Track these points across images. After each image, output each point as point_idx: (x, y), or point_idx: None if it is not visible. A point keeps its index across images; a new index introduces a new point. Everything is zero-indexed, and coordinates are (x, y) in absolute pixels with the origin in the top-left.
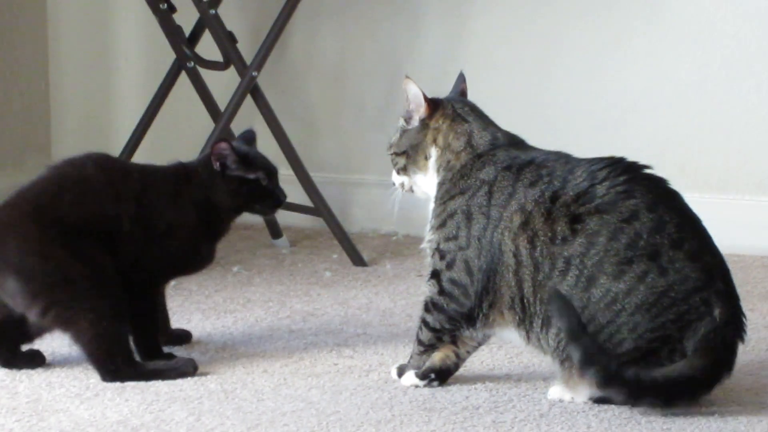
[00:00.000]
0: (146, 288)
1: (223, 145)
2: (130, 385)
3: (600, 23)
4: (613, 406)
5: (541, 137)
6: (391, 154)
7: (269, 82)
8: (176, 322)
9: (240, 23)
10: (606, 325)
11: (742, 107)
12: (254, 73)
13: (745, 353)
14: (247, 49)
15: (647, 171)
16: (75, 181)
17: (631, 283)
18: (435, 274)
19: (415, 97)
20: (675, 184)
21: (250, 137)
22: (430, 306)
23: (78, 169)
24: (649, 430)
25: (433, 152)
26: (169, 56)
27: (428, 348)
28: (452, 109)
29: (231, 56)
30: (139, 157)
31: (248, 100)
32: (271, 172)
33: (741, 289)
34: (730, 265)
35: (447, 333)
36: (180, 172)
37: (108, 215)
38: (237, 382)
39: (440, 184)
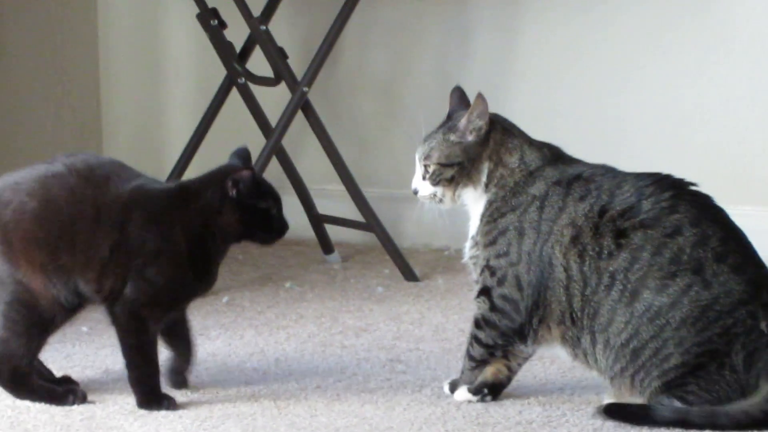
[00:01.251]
0: (134, 324)
1: (246, 173)
2: (184, 401)
3: (650, 37)
4: None
5: (593, 150)
6: (435, 165)
7: (320, 97)
8: (229, 338)
9: (290, 39)
10: (650, 340)
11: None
12: (305, 89)
13: None
14: (298, 65)
15: (692, 187)
16: (46, 197)
17: (675, 297)
18: (485, 291)
19: (484, 111)
20: (727, 198)
21: (245, 155)
22: (481, 323)
23: (58, 182)
24: None
25: (486, 167)
26: (220, 72)
27: (480, 363)
28: (501, 124)
29: (282, 72)
30: (192, 173)
31: (299, 116)
32: (279, 201)
33: None
34: None
35: (499, 348)
36: (176, 194)
37: (83, 239)
38: (290, 398)
39: (490, 202)
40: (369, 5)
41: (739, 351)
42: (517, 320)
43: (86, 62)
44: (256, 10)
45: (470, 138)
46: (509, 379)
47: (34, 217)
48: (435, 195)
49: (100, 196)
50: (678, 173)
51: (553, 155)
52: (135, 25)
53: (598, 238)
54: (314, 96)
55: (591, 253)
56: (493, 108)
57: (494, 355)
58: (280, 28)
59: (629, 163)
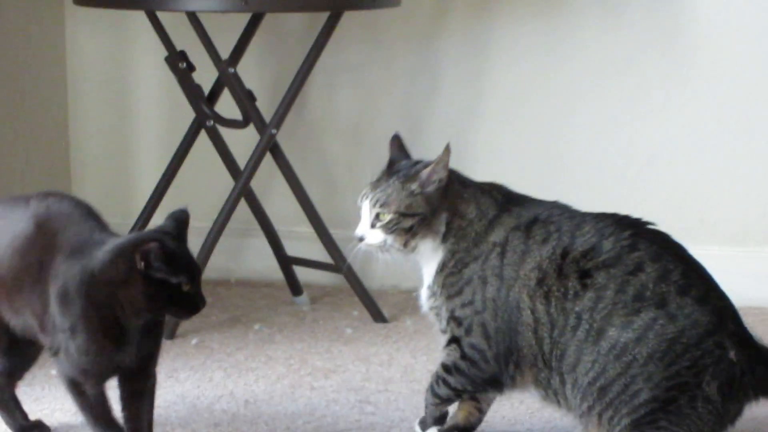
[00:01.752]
0: (72, 389)
1: (154, 245)
2: None
3: (618, 78)
4: None
5: (559, 192)
6: (394, 213)
7: (288, 139)
8: (198, 380)
9: (259, 81)
10: (617, 377)
11: (760, 160)
12: (273, 131)
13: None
14: (266, 107)
15: (650, 226)
16: (11, 239)
17: (641, 332)
18: (455, 340)
19: (447, 163)
20: (695, 237)
21: (181, 218)
22: (452, 369)
23: (22, 227)
24: None
25: (444, 218)
26: (189, 115)
27: (445, 401)
28: (455, 174)
29: (250, 114)
30: (160, 216)
31: (268, 158)
32: (195, 275)
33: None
34: (751, 318)
35: (467, 393)
36: (88, 263)
37: (27, 291)
38: None
39: (452, 252)
40: (336, 48)
41: (710, 381)
42: (487, 370)
43: (55, 104)
44: (225, 52)
45: (431, 189)
46: (479, 421)
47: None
48: (385, 243)
49: (44, 253)
50: (640, 213)
51: (504, 198)
52: (103, 68)
53: (563, 279)
54: (282, 138)
55: (557, 294)
56: (461, 148)
57: (460, 397)
58: (248, 71)
59: (594, 205)
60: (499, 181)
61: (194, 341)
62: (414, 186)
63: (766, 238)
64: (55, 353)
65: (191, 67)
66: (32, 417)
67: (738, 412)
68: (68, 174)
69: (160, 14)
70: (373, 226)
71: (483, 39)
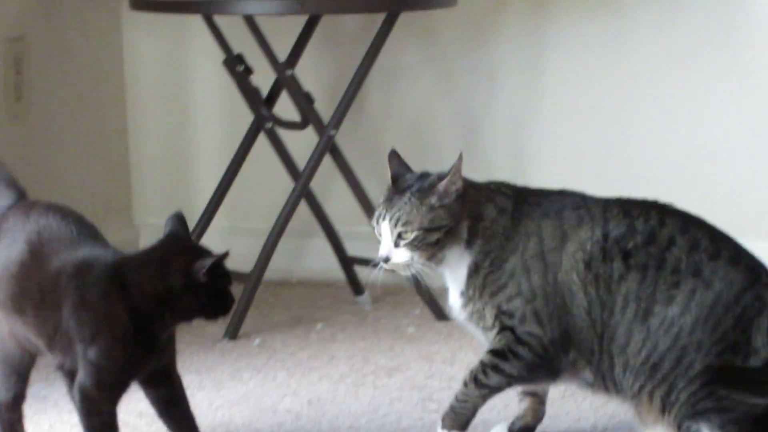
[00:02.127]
0: (86, 407)
1: (216, 259)
2: None
3: (674, 74)
4: None
5: (618, 187)
6: (418, 231)
7: (347, 139)
8: (261, 379)
9: (317, 83)
10: (667, 351)
11: None
12: (332, 132)
13: None
14: (325, 108)
15: (668, 204)
16: (7, 263)
17: (683, 304)
18: (508, 328)
19: (461, 172)
20: (755, 232)
21: (182, 220)
22: (507, 354)
23: (17, 254)
24: None
25: (466, 224)
26: (248, 117)
27: (493, 391)
28: (467, 180)
29: (308, 116)
30: (220, 218)
31: (327, 158)
32: (230, 278)
33: None
34: None
35: (520, 382)
36: (119, 272)
37: (30, 315)
38: None
39: (485, 253)
40: (393, 49)
41: (757, 335)
42: (544, 355)
43: (113, 108)
44: (282, 55)
45: (450, 199)
46: (543, 415)
47: (1, 276)
48: (412, 260)
49: (42, 276)
50: (700, 207)
51: (514, 192)
52: (160, 71)
53: (609, 262)
54: (341, 139)
55: (604, 276)
56: (518, 146)
57: (510, 386)
58: (306, 73)
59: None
60: (559, 179)
61: (257, 342)
62: (433, 200)
63: None
64: (69, 370)
65: (249, 70)
66: None
67: None
68: (128, 177)
69: (217, 18)
70: (396, 245)
71: (539, 37)
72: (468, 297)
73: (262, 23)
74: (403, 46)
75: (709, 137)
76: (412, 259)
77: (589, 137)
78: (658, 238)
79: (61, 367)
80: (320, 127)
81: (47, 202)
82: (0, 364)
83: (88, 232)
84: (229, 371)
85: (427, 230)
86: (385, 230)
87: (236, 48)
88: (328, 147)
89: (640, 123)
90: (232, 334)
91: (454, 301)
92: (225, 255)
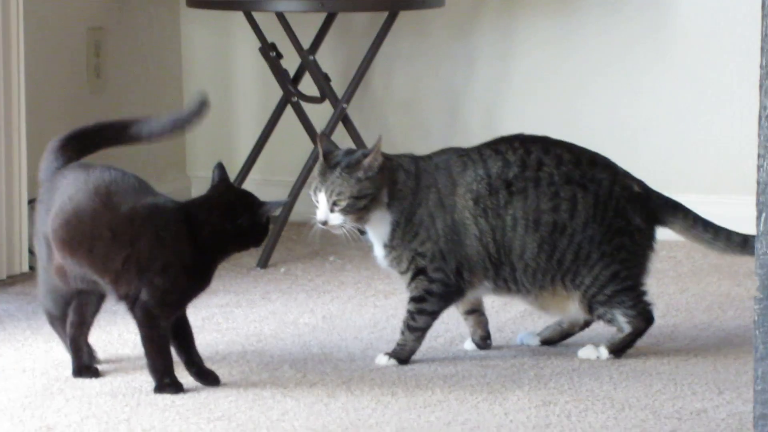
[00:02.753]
0: (148, 321)
1: (274, 205)
2: (248, 351)
3: (616, 64)
4: (629, 360)
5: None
6: (349, 199)
7: (356, 112)
8: (286, 300)
9: (333, 66)
10: (568, 247)
11: (727, 125)
12: (344, 105)
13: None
14: (339, 86)
15: (533, 135)
16: (76, 209)
17: (570, 209)
18: (421, 271)
19: (380, 150)
20: (677, 186)
21: (223, 169)
22: (425, 296)
23: (86, 201)
24: (659, 379)
25: (386, 191)
26: (278, 93)
27: (425, 331)
28: (384, 154)
29: (326, 92)
30: (255, 172)
31: (340, 126)
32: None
33: (729, 269)
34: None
35: (439, 314)
36: (186, 214)
37: (100, 252)
38: (333, 346)
39: (400, 211)
40: (394, 39)
41: (634, 215)
42: (450, 284)
43: (172, 84)
44: (306, 43)
45: (372, 172)
46: (488, 323)
47: (65, 221)
48: (344, 222)
49: (114, 219)
50: (637, 166)
51: (411, 157)
52: (211, 56)
53: (494, 194)
54: (351, 111)
55: (492, 207)
56: (492, 121)
57: (435, 320)
58: (324, 57)
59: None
60: None
61: (282, 270)
62: (360, 174)
63: (732, 187)
64: (133, 297)
65: (280, 56)
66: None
67: (655, 236)
68: (183, 138)
69: (254, 13)
70: (332, 211)
71: (509, 33)
72: (391, 247)
73: (290, 18)
74: (401, 37)
75: (642, 112)
76: (344, 221)
77: (549, 113)
78: (529, 164)
79: (124, 297)
80: (335, 101)
81: (102, 164)
82: (51, 292)
83: (145, 185)
84: (260, 293)
85: (356, 198)
86: (322, 199)
87: (269, 37)
88: (341, 117)
89: (590, 101)
90: (263, 263)
91: (379, 251)
92: (285, 202)
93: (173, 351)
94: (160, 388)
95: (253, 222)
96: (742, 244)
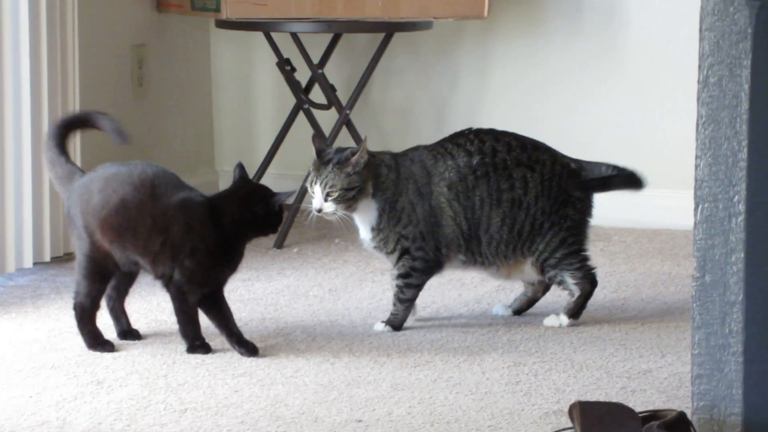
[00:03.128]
0: (179, 296)
1: (283, 194)
2: (272, 318)
3: (576, 76)
4: (586, 328)
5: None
6: (340, 191)
7: (357, 117)
8: (298, 275)
9: (338, 78)
10: (525, 219)
11: (668, 128)
12: (348, 112)
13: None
14: (343, 95)
15: (481, 128)
16: (123, 198)
17: (523, 187)
18: (406, 251)
19: (366, 149)
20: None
21: (243, 167)
22: (411, 272)
23: (131, 191)
24: (612, 344)
25: (371, 183)
26: (291, 101)
27: (413, 301)
28: (369, 151)
29: (332, 100)
30: (272, 167)
31: (344, 130)
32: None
33: (671, 252)
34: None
35: (423, 286)
36: (214, 206)
37: (142, 236)
38: (338, 314)
39: (385, 200)
40: (390, 56)
41: (574, 189)
42: (431, 260)
43: (203, 94)
44: (315, 58)
45: (360, 168)
46: None
47: (113, 209)
48: (336, 210)
49: (155, 209)
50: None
51: (390, 154)
52: (236, 69)
53: (463, 180)
54: (354, 116)
55: (462, 191)
56: (472, 122)
57: (420, 290)
58: (331, 71)
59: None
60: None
61: (295, 250)
62: (349, 169)
63: (673, 182)
64: (168, 276)
65: (293, 69)
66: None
67: (593, 204)
68: (211, 137)
69: (273, 34)
70: (326, 200)
71: (487, 52)
72: (378, 230)
73: (303, 38)
74: (396, 55)
75: (597, 117)
76: (336, 209)
77: (520, 118)
78: (486, 152)
79: (161, 276)
80: (340, 108)
81: (141, 161)
82: (88, 276)
83: (180, 181)
84: (276, 269)
85: (346, 189)
86: (317, 191)
87: (285, 54)
88: (345, 121)
89: (553, 107)
90: (279, 245)
91: (366, 234)
92: (294, 192)
93: (215, 328)
94: (191, 349)
95: (267, 210)
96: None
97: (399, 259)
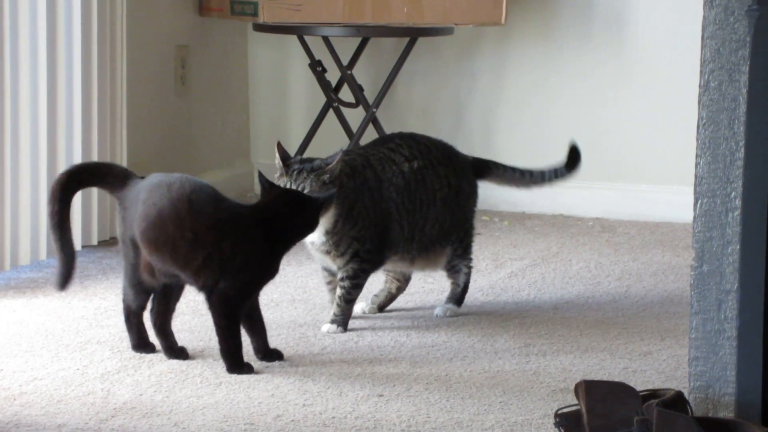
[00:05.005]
0: (225, 310)
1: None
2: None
3: (587, 80)
4: (592, 313)
5: (552, 148)
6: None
7: (383, 115)
8: (296, 286)
9: (366, 78)
10: (451, 219)
11: (672, 132)
12: (374, 110)
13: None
14: (370, 95)
15: (413, 133)
16: (161, 214)
17: (447, 184)
18: (356, 254)
19: (341, 160)
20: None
21: (264, 176)
22: (359, 273)
23: (168, 207)
24: (615, 328)
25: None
26: (322, 99)
27: (354, 301)
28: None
29: (360, 99)
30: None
31: (370, 127)
32: None
33: (671, 243)
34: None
35: (365, 283)
36: (261, 216)
37: (182, 252)
38: (361, 297)
39: (343, 206)
40: (414, 59)
41: (472, 177)
42: (377, 261)
43: (241, 91)
44: (345, 60)
45: (333, 176)
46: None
47: (152, 223)
48: None
49: (196, 223)
50: (601, 159)
51: (352, 166)
52: (271, 70)
53: (407, 184)
54: (380, 115)
55: (408, 195)
56: (488, 122)
57: (362, 288)
58: (359, 72)
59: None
60: (518, 144)
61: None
62: (326, 177)
63: (674, 179)
64: (211, 287)
65: (324, 70)
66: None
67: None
68: (248, 132)
69: (305, 37)
70: None
71: (504, 57)
72: (333, 233)
73: (333, 41)
74: (419, 58)
75: (606, 118)
76: None
77: (533, 119)
78: (416, 155)
79: (203, 287)
80: (367, 107)
81: (179, 174)
82: (133, 285)
83: (218, 192)
84: (305, 255)
85: None
86: None
87: (317, 56)
88: (371, 119)
89: (564, 109)
90: None
91: (317, 238)
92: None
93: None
94: (232, 369)
95: (311, 215)
96: (539, 176)
97: (348, 261)
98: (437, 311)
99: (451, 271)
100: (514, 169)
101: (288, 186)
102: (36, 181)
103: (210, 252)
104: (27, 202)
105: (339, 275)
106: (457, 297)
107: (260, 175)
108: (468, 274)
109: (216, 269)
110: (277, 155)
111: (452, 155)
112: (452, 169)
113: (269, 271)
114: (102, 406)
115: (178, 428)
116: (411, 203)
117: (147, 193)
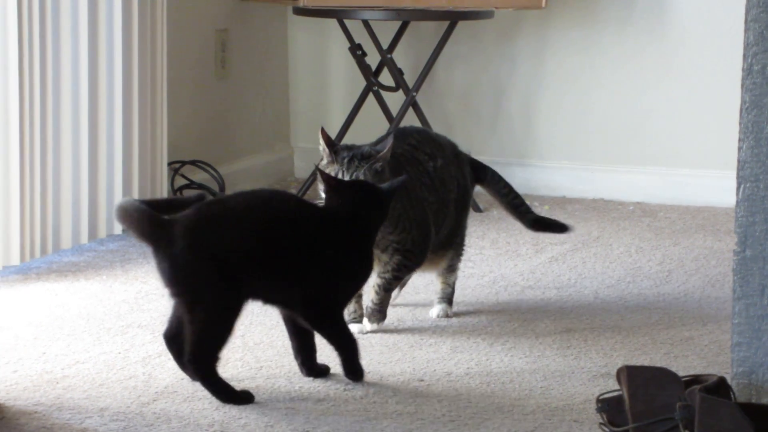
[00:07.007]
0: (332, 318)
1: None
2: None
3: (627, 67)
4: (632, 297)
5: (592, 134)
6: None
7: (423, 99)
8: None
9: (406, 62)
10: (461, 213)
11: (715, 115)
12: (414, 94)
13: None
14: (410, 79)
15: (423, 128)
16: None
17: (459, 183)
18: (398, 250)
19: (391, 149)
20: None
21: (317, 167)
22: (401, 267)
23: (264, 223)
24: (656, 313)
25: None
26: (362, 83)
27: (392, 290)
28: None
29: (400, 83)
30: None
31: (410, 111)
32: None
33: (713, 227)
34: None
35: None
36: (356, 220)
37: (274, 267)
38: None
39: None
40: (454, 43)
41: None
42: (417, 260)
43: (281, 75)
44: (385, 44)
45: (384, 165)
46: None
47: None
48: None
49: (289, 243)
50: (642, 143)
51: (392, 158)
52: (311, 53)
53: (434, 183)
54: (419, 99)
55: (436, 194)
56: (528, 106)
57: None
58: (399, 56)
59: (613, 140)
60: (559, 129)
61: None
62: (378, 165)
63: (717, 163)
64: (314, 303)
65: (364, 54)
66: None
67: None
68: (287, 115)
69: (346, 21)
70: None
71: (544, 40)
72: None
73: (373, 24)
74: (459, 41)
75: (646, 102)
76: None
77: (573, 103)
78: (434, 155)
79: (303, 303)
80: (407, 91)
81: (252, 190)
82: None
83: (300, 199)
84: None
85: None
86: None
87: (357, 39)
88: (411, 103)
89: (605, 93)
90: None
91: None
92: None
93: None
94: (362, 375)
95: (385, 206)
96: (524, 211)
97: (392, 256)
98: (437, 312)
99: (448, 270)
100: (506, 186)
101: (340, 176)
102: (77, 165)
103: (309, 266)
104: (69, 186)
105: (378, 270)
106: (449, 296)
107: (320, 171)
108: (456, 276)
109: (318, 282)
110: (321, 141)
111: (458, 154)
112: (459, 169)
113: (370, 267)
114: (144, 389)
115: (219, 412)
116: (439, 203)
117: (229, 211)
